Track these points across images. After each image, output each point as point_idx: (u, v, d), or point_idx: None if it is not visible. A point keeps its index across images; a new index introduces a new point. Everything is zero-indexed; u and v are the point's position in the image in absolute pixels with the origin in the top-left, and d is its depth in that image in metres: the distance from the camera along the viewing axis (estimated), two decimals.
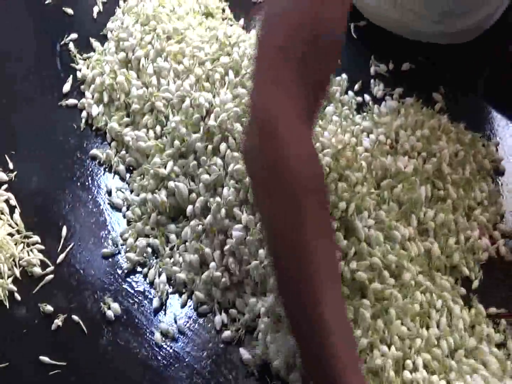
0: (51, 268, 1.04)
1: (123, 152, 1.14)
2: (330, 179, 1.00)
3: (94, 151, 1.15)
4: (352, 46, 1.26)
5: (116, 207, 1.10)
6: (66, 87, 1.21)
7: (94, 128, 1.18)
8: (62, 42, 1.27)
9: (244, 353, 0.97)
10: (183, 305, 1.02)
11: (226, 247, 1.01)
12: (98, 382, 0.97)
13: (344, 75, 1.20)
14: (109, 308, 1.01)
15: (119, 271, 1.05)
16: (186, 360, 0.98)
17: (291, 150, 0.78)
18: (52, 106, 1.20)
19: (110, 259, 1.06)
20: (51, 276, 1.04)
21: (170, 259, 1.05)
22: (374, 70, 1.23)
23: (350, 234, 0.98)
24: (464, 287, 1.01)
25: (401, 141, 1.08)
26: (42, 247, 1.06)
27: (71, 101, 1.20)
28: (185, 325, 1.01)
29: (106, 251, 1.06)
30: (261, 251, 0.99)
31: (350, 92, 1.19)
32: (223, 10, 1.30)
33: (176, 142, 1.08)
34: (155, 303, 1.02)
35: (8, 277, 1.03)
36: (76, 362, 0.98)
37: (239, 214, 1.02)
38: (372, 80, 1.21)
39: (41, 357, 0.98)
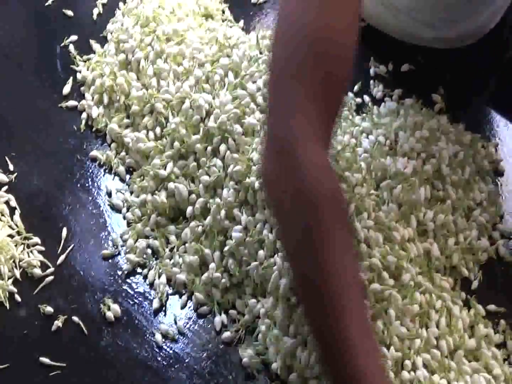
0: (51, 269, 1.04)
1: (123, 153, 1.14)
2: None
3: (94, 153, 1.15)
4: None
5: (116, 209, 1.10)
6: (66, 89, 1.21)
7: (94, 129, 1.18)
8: (62, 44, 1.27)
9: (244, 354, 0.97)
10: (183, 306, 1.02)
11: (226, 248, 1.02)
12: (98, 383, 0.97)
13: None
14: (109, 309, 1.01)
15: (119, 272, 1.05)
16: (186, 361, 0.98)
17: (311, 174, 0.79)
18: (52, 108, 1.20)
19: (110, 260, 1.06)
20: (51, 277, 1.04)
21: (170, 260, 1.05)
22: (373, 71, 1.23)
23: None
24: (463, 287, 1.02)
25: (401, 142, 1.09)
26: (42, 248, 1.06)
27: (71, 102, 1.20)
28: (185, 326, 1.01)
29: (106, 252, 1.06)
30: (260, 252, 0.99)
31: (349, 93, 1.19)
32: (223, 12, 1.31)
33: (176, 144, 1.08)
34: (155, 304, 1.02)
35: (9, 278, 1.03)
36: (76, 363, 0.98)
37: (238, 215, 1.02)
38: (371, 81, 1.21)
39: (41, 358, 0.98)
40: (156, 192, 1.08)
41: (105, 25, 1.28)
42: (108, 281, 1.04)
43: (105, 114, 1.17)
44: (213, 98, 1.10)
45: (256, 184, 1.01)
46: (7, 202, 1.10)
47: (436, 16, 1.17)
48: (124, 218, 1.09)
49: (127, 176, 1.13)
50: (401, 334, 0.93)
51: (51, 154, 1.15)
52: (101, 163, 1.14)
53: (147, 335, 1.00)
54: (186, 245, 1.05)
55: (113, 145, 1.16)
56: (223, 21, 1.29)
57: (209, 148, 1.07)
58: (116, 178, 1.13)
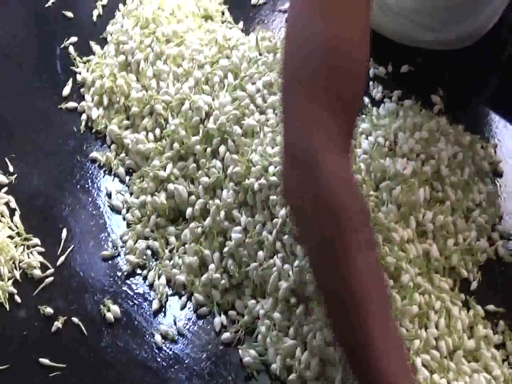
0: (51, 270, 1.05)
1: (123, 154, 1.14)
2: None
3: (94, 154, 1.15)
4: None
5: (115, 210, 1.10)
6: (66, 90, 1.22)
7: (94, 131, 1.18)
8: (62, 45, 1.27)
9: (244, 354, 0.98)
10: (182, 307, 1.02)
11: (225, 249, 1.02)
12: (98, 383, 0.97)
13: None
14: (108, 310, 1.01)
15: (119, 273, 1.05)
16: (186, 361, 0.98)
17: (333, 186, 0.78)
18: (52, 109, 1.20)
19: (109, 261, 1.06)
20: (51, 278, 1.04)
21: (170, 261, 1.05)
22: (373, 72, 1.23)
23: None
24: (462, 288, 1.02)
25: (400, 143, 1.09)
26: (42, 249, 1.06)
27: (71, 104, 1.20)
28: (185, 327, 1.01)
29: (106, 253, 1.06)
30: (260, 253, 0.99)
31: None
32: (223, 13, 1.31)
33: (176, 145, 1.08)
34: (155, 305, 1.02)
35: (8, 279, 1.03)
36: (76, 364, 0.98)
37: (238, 216, 1.02)
38: (371, 83, 1.22)
39: (41, 359, 0.98)
40: (156, 193, 1.08)
41: (105, 26, 1.29)
42: (108, 282, 1.04)
43: (105, 116, 1.18)
44: (213, 100, 1.10)
45: (256, 186, 1.01)
46: (7, 203, 1.10)
47: (436, 19, 1.17)
48: (124, 219, 1.10)
49: (127, 177, 1.13)
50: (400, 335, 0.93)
51: (51, 155, 1.16)
52: (101, 164, 1.15)
53: (147, 336, 1.00)
54: (186, 246, 1.05)
55: (113, 146, 1.16)
56: (222, 22, 1.29)
57: (209, 149, 1.07)
58: (116, 179, 1.14)
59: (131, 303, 1.03)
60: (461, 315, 0.97)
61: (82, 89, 1.22)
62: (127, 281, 1.05)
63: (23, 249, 1.06)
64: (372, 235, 0.82)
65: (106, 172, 1.14)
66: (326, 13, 0.80)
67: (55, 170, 1.14)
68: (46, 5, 1.33)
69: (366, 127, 1.13)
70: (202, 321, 1.01)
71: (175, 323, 1.01)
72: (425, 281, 0.98)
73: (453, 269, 1.03)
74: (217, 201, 1.04)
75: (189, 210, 1.06)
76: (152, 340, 1.00)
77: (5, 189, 1.11)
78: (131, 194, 1.11)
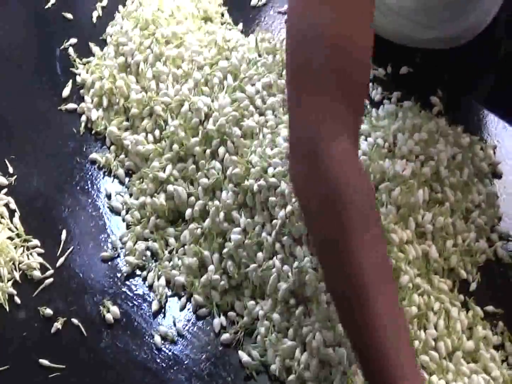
0: (51, 271, 1.05)
1: (122, 156, 1.15)
2: None
3: (93, 155, 1.15)
4: None
5: (115, 211, 1.11)
6: (66, 92, 1.22)
7: (93, 132, 1.18)
8: (62, 46, 1.27)
9: (243, 355, 0.98)
10: (182, 308, 1.03)
11: (225, 250, 1.02)
12: None
13: None
14: (108, 311, 1.01)
15: (119, 275, 1.05)
16: (185, 362, 0.98)
17: (341, 180, 0.78)
18: (51, 110, 1.21)
19: (109, 263, 1.06)
20: (50, 279, 1.04)
21: (169, 262, 1.05)
22: (372, 74, 1.22)
23: None
24: (461, 289, 1.02)
25: (399, 145, 1.09)
26: (42, 250, 1.07)
27: (71, 105, 1.21)
28: (184, 328, 1.01)
29: (105, 254, 1.07)
30: (259, 254, 1.00)
31: None
32: (222, 15, 1.31)
33: (175, 146, 1.08)
34: (154, 306, 1.02)
35: (8, 280, 1.04)
36: (76, 365, 0.98)
37: (237, 218, 1.02)
38: (370, 84, 1.21)
39: (41, 360, 0.98)
40: (155, 194, 1.08)
41: (104, 28, 1.29)
42: (108, 283, 1.04)
43: (105, 117, 1.18)
44: (212, 101, 1.10)
45: (255, 187, 1.01)
46: (6, 205, 1.10)
47: (435, 17, 1.18)
48: (124, 220, 1.10)
49: (127, 179, 1.13)
50: None
51: (50, 156, 1.16)
52: (101, 165, 1.15)
53: (146, 337, 1.00)
54: (185, 247, 1.05)
55: (112, 147, 1.16)
56: (222, 24, 1.29)
57: (208, 150, 1.07)
58: (116, 180, 1.14)
59: (130, 304, 1.03)
60: (460, 316, 0.97)
61: (81, 91, 1.22)
62: (127, 282, 1.05)
63: (23, 250, 1.06)
64: (380, 230, 0.82)
65: (106, 173, 1.14)
66: (328, 3, 0.79)
67: (55, 171, 1.14)
68: (46, 7, 1.33)
69: (365, 128, 1.13)
70: (202, 322, 1.02)
71: (174, 324, 1.01)
72: (424, 282, 0.98)
73: (452, 270, 1.03)
74: (216, 202, 1.04)
75: (188, 211, 1.06)
76: (151, 341, 1.00)
77: (5, 190, 1.12)
78: (130, 195, 1.12)
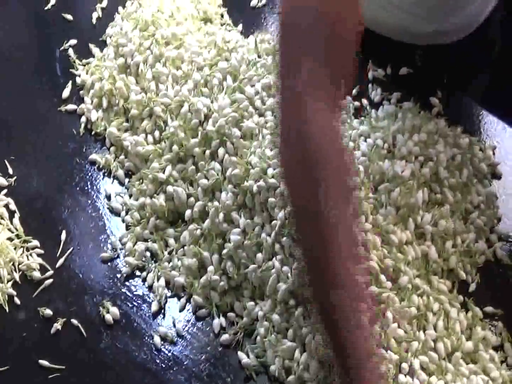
0: (51, 272, 1.05)
1: (122, 157, 1.15)
2: None
3: (93, 156, 1.15)
4: None
5: (115, 212, 1.11)
6: (66, 93, 1.22)
7: (93, 133, 1.18)
8: (62, 48, 1.27)
9: (243, 356, 0.98)
10: (181, 309, 1.03)
11: (224, 251, 1.02)
12: None
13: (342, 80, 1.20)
14: (108, 312, 1.01)
15: (118, 275, 1.05)
16: (185, 363, 0.98)
17: (316, 138, 0.81)
18: (51, 111, 1.21)
19: (109, 263, 1.07)
20: (50, 280, 1.04)
21: (169, 263, 1.05)
22: (372, 74, 1.23)
23: None
24: (461, 290, 1.02)
25: (399, 145, 1.09)
26: (42, 251, 1.07)
27: (71, 106, 1.21)
28: (184, 328, 1.01)
29: (105, 255, 1.07)
30: (259, 255, 1.00)
31: (348, 97, 1.19)
32: (222, 16, 1.31)
33: (175, 147, 1.08)
34: (154, 307, 1.02)
35: (8, 281, 1.04)
36: (75, 365, 0.98)
37: (237, 218, 1.02)
38: (370, 85, 1.22)
39: (41, 361, 0.98)
40: (155, 195, 1.08)
41: (104, 29, 1.29)
42: (107, 284, 1.04)
43: (104, 118, 1.18)
44: (212, 102, 1.10)
45: (255, 188, 1.01)
46: (6, 206, 1.10)
47: (435, 9, 1.18)
48: (123, 221, 1.10)
49: (126, 180, 1.13)
50: (398, 337, 0.93)
51: (50, 157, 1.16)
52: (100, 166, 1.15)
53: (146, 338, 1.00)
54: (185, 248, 1.05)
55: (112, 148, 1.16)
56: (221, 25, 1.29)
57: (208, 151, 1.07)
58: (115, 181, 1.14)
59: (130, 305, 1.03)
60: (459, 317, 0.97)
61: (81, 92, 1.22)
62: (126, 283, 1.05)
63: (23, 251, 1.06)
64: (355, 200, 0.84)
65: (106, 174, 1.15)
66: None
67: (55, 172, 1.15)
68: (46, 8, 1.33)
69: (365, 129, 1.13)
70: (201, 323, 1.02)
71: (174, 325, 1.01)
72: (424, 283, 0.98)
73: (452, 271, 1.03)
74: (216, 203, 1.04)
75: (188, 212, 1.06)
76: (151, 341, 1.00)
77: (5, 191, 1.12)
78: (130, 196, 1.12)
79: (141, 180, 1.11)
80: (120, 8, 1.29)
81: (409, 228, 1.02)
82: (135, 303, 1.03)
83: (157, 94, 1.14)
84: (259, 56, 1.18)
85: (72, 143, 1.18)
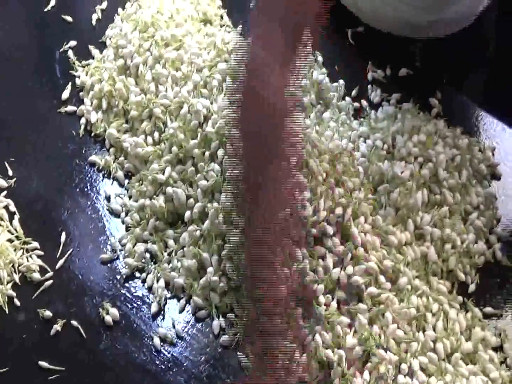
0: (50, 273, 1.05)
1: (122, 158, 1.15)
2: (327, 184, 1.01)
3: (92, 157, 1.15)
4: (349, 51, 1.26)
5: (114, 213, 1.11)
6: (65, 94, 1.22)
7: (93, 134, 1.18)
8: (61, 49, 1.27)
9: (242, 357, 0.98)
10: (181, 310, 1.03)
11: (224, 252, 1.02)
12: None
13: (341, 81, 1.21)
14: (107, 313, 1.01)
15: (118, 277, 1.05)
16: (185, 364, 0.98)
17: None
18: (51, 113, 1.20)
19: (108, 265, 1.06)
20: (50, 281, 1.04)
21: (168, 264, 1.05)
22: (371, 75, 1.23)
23: (346, 239, 0.98)
24: (460, 291, 1.02)
25: (398, 146, 1.09)
26: (41, 253, 1.07)
27: (70, 107, 1.21)
28: (183, 329, 1.01)
29: (104, 256, 1.07)
30: None
31: (347, 98, 1.20)
32: (221, 17, 1.31)
33: (174, 148, 1.08)
34: (154, 308, 1.02)
35: (8, 282, 1.04)
36: (75, 367, 0.98)
37: (236, 220, 1.02)
38: (369, 86, 1.22)
39: (40, 362, 0.98)
40: (155, 196, 1.08)
41: (104, 30, 1.29)
42: (107, 285, 1.04)
43: (104, 119, 1.18)
44: (211, 103, 1.10)
45: None
46: (6, 207, 1.10)
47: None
48: (123, 222, 1.10)
49: (126, 181, 1.13)
50: (397, 338, 0.93)
51: (50, 159, 1.16)
52: (100, 168, 1.15)
53: (146, 339, 1.00)
54: (184, 249, 1.05)
55: (111, 150, 1.16)
56: (221, 26, 1.29)
57: (207, 153, 1.07)
58: (115, 182, 1.14)
59: (130, 306, 1.03)
60: (459, 318, 0.97)
61: (81, 93, 1.22)
62: (126, 284, 1.05)
63: (22, 253, 1.06)
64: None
65: (105, 175, 1.14)
66: None
67: (54, 173, 1.14)
68: (45, 9, 1.33)
69: (364, 130, 1.13)
70: (201, 324, 1.02)
71: (173, 326, 1.01)
72: (423, 284, 0.99)
73: (451, 272, 1.03)
74: (215, 204, 1.04)
75: (187, 213, 1.06)
76: (150, 343, 1.00)
77: (4, 192, 1.12)
78: (130, 197, 1.12)
79: (140, 182, 1.11)
80: (119, 10, 1.29)
81: (408, 229, 1.03)
82: (134, 304, 1.03)
83: (156, 95, 1.14)
84: None
85: (72, 144, 1.18)
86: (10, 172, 1.14)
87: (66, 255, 1.06)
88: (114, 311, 1.01)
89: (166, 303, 1.03)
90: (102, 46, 1.27)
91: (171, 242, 1.06)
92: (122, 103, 1.17)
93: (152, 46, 1.18)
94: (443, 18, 1.21)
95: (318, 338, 0.93)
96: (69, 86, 1.23)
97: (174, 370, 0.98)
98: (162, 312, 1.02)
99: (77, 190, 1.13)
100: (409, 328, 0.94)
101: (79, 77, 1.23)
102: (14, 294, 1.03)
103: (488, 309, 1.01)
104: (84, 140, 1.18)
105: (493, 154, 1.14)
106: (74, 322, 1.01)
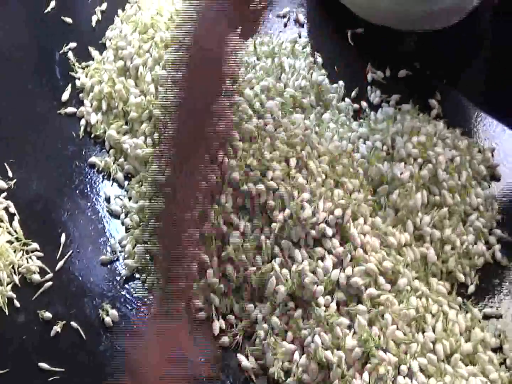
0: (50, 275, 1.05)
1: (122, 159, 1.15)
2: (326, 186, 1.01)
3: (92, 159, 1.16)
4: (349, 53, 1.26)
5: (114, 214, 1.11)
6: (65, 96, 1.22)
7: (92, 136, 1.18)
8: (61, 51, 1.27)
9: (242, 358, 0.98)
10: None
11: (224, 254, 1.02)
12: None
13: (341, 82, 1.21)
14: (107, 314, 1.01)
15: (118, 278, 1.05)
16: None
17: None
18: (51, 114, 1.21)
19: (108, 266, 1.07)
20: (50, 283, 1.04)
21: None
22: (371, 77, 1.23)
23: (346, 241, 0.98)
24: (460, 292, 1.02)
25: (398, 148, 1.09)
26: (41, 254, 1.07)
27: (70, 109, 1.21)
28: None
29: (104, 258, 1.07)
30: (258, 258, 1.00)
31: (347, 99, 1.20)
32: None
33: None
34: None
35: (8, 284, 1.04)
36: (75, 368, 0.98)
37: (236, 221, 1.02)
38: (369, 87, 1.22)
39: (40, 364, 0.98)
40: (155, 197, 1.08)
41: (103, 32, 1.29)
42: (107, 287, 1.05)
43: (104, 121, 1.18)
44: None
45: (254, 190, 1.01)
46: (6, 208, 1.10)
47: None
48: (123, 224, 1.10)
49: (126, 182, 1.14)
50: (397, 339, 0.93)
51: (50, 160, 1.16)
52: (100, 169, 1.15)
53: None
54: None
55: (111, 151, 1.16)
56: None
57: (207, 154, 1.07)
58: (115, 184, 1.14)
59: (129, 307, 1.03)
60: (458, 319, 0.97)
61: (81, 94, 1.22)
62: (126, 286, 1.05)
63: (22, 254, 1.06)
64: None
65: (105, 177, 1.15)
66: None
67: (54, 175, 1.15)
68: (45, 11, 1.33)
69: (364, 131, 1.13)
70: (201, 325, 1.02)
71: None
72: (423, 285, 0.99)
73: (451, 273, 1.03)
74: (215, 206, 1.04)
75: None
76: None
77: (4, 194, 1.12)
78: (129, 198, 1.12)
79: (140, 183, 1.11)
80: (119, 11, 1.29)
81: (408, 230, 1.03)
82: (134, 306, 1.03)
83: (156, 96, 1.14)
84: (258, 59, 1.18)
85: (72, 146, 1.18)
86: (10, 174, 1.14)
87: (66, 257, 1.07)
88: (114, 312, 1.01)
89: None
90: (102, 48, 1.27)
91: None
92: (122, 105, 1.17)
93: (151, 47, 1.18)
94: (437, 9, 1.21)
95: (317, 339, 0.93)
96: (69, 88, 1.23)
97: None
98: None
99: (77, 191, 1.13)
100: (409, 329, 0.95)
101: (79, 78, 1.24)
102: (14, 296, 1.03)
103: (488, 310, 1.01)
104: (84, 142, 1.18)
105: (492, 155, 1.14)
106: (74, 324, 1.01)
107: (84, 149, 1.17)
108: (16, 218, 1.10)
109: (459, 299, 1.01)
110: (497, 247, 1.06)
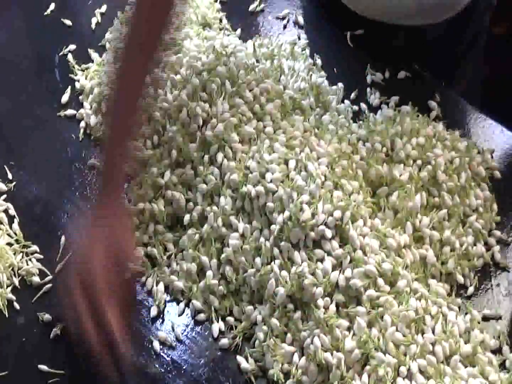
0: (50, 277, 1.05)
1: None
2: (326, 187, 1.01)
3: (92, 161, 1.16)
4: (348, 54, 1.26)
5: None
6: (65, 98, 1.22)
7: (92, 138, 1.18)
8: (61, 53, 1.28)
9: (241, 360, 0.98)
10: (180, 313, 1.03)
11: (223, 256, 1.02)
12: None
13: (340, 84, 1.21)
14: None
15: None
16: (184, 367, 0.98)
17: None
18: (51, 117, 1.21)
19: None
20: (49, 285, 1.05)
21: (168, 267, 1.05)
22: (370, 78, 1.23)
23: (345, 242, 0.98)
24: (459, 293, 1.02)
25: (397, 149, 1.09)
26: (41, 256, 1.07)
27: (70, 111, 1.21)
28: (183, 333, 1.01)
29: None
30: (257, 259, 1.00)
31: (346, 101, 1.20)
32: (220, 20, 1.31)
33: (173, 152, 1.09)
34: (153, 311, 1.02)
35: (7, 286, 1.04)
36: (75, 370, 0.98)
37: (235, 223, 1.03)
38: (368, 89, 1.22)
39: (40, 366, 0.98)
40: (154, 200, 1.09)
41: (103, 34, 1.29)
42: None
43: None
44: (210, 107, 1.10)
45: (253, 192, 1.01)
46: (6, 211, 1.11)
47: None
48: None
49: (125, 184, 1.13)
50: (396, 340, 0.93)
51: (49, 162, 1.16)
52: (100, 171, 1.15)
53: (145, 342, 1.00)
54: (184, 252, 1.05)
55: None
56: (220, 29, 1.29)
57: (206, 156, 1.07)
58: None
59: None
60: (457, 320, 0.97)
61: (80, 97, 1.23)
62: None
63: (22, 256, 1.07)
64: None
65: None
66: None
67: (54, 177, 1.15)
68: (45, 13, 1.33)
69: (363, 133, 1.13)
70: (200, 327, 1.02)
71: (173, 329, 1.01)
72: (422, 286, 0.99)
73: (450, 274, 1.03)
74: (214, 207, 1.04)
75: (187, 217, 1.06)
76: (150, 346, 1.00)
77: (4, 196, 1.12)
78: (129, 201, 1.12)
79: (140, 185, 1.11)
80: (119, 13, 1.29)
81: (407, 231, 1.03)
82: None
83: (155, 99, 1.14)
84: (257, 61, 1.18)
85: (72, 148, 1.18)
86: (10, 176, 1.14)
87: (65, 259, 1.06)
88: None
89: (165, 306, 1.03)
90: (101, 50, 1.27)
91: (170, 245, 1.07)
92: None
93: None
94: (428, 2, 1.21)
95: (317, 341, 0.93)
96: (68, 90, 1.23)
97: (173, 373, 0.98)
98: (161, 316, 1.03)
99: (77, 193, 1.13)
100: (408, 330, 0.94)
101: (78, 80, 1.24)
102: (14, 298, 1.04)
103: (487, 312, 1.01)
104: (83, 144, 1.19)
105: (491, 157, 1.14)
106: None
107: (83, 151, 1.18)
108: (16, 220, 1.10)
109: (459, 300, 1.01)
110: (496, 248, 1.06)
